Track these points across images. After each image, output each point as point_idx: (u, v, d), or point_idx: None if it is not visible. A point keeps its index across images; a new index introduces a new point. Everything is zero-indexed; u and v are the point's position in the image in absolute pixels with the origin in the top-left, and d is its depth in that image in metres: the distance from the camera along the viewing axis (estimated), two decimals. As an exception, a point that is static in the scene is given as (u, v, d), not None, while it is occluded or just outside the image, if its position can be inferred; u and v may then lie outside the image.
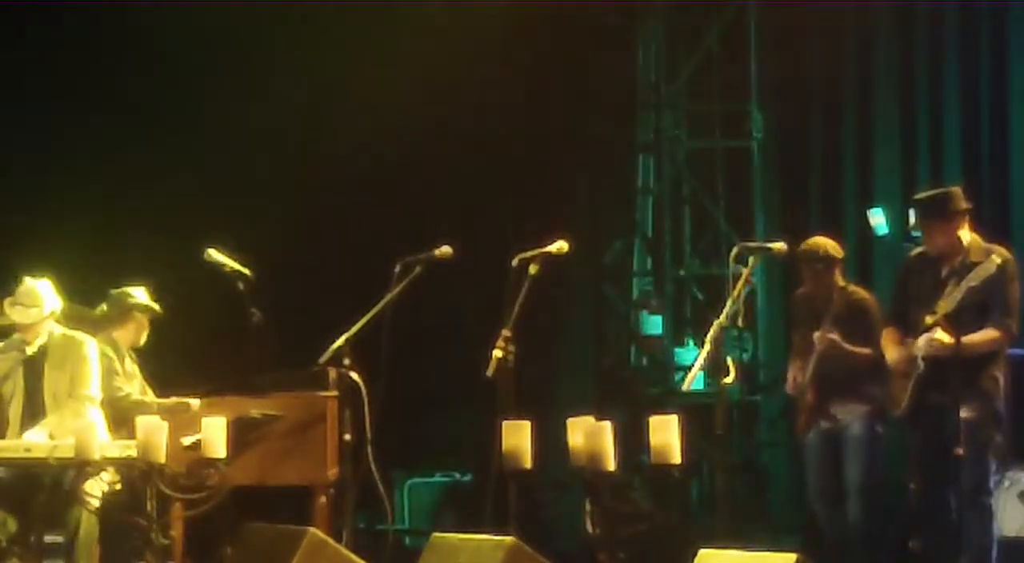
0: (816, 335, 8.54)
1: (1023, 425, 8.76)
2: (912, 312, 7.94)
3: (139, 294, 9.11)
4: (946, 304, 7.52)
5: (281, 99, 11.42)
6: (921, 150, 11.05)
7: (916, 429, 7.95)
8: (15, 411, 8.37)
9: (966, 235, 7.88)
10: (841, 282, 8.73)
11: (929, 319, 7.58)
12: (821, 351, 8.54)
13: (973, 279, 7.43)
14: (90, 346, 8.49)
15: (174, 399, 8.79)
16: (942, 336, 7.52)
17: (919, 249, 8.10)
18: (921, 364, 7.74)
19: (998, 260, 7.48)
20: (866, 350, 8.44)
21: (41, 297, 8.42)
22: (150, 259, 9.62)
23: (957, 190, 8.02)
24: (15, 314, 8.41)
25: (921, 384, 7.78)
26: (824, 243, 8.75)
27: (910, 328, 7.89)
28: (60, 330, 8.51)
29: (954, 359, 7.47)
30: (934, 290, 7.82)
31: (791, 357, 8.90)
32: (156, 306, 9.12)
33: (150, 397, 8.99)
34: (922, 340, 7.69)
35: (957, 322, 7.48)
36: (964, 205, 7.89)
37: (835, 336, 8.50)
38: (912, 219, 8.02)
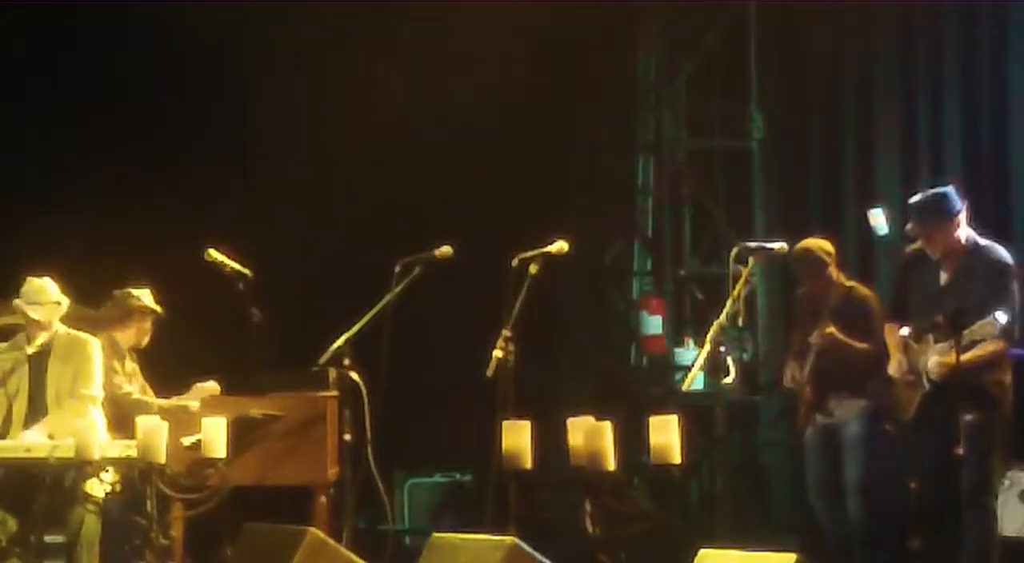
0: (814, 333, 8.53)
1: (1023, 425, 8.76)
2: (913, 311, 7.94)
3: (142, 295, 9.11)
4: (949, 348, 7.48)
5: (281, 100, 11.42)
6: (921, 150, 11.04)
7: (921, 434, 7.93)
8: (19, 409, 8.37)
9: (963, 232, 7.87)
10: (840, 279, 8.72)
11: (933, 366, 7.58)
12: (820, 345, 8.53)
13: (977, 334, 7.38)
14: (94, 346, 8.50)
15: (175, 401, 8.80)
16: (947, 360, 7.48)
17: (916, 245, 8.08)
18: (927, 384, 7.72)
19: (1002, 322, 7.39)
20: (865, 345, 8.43)
21: (55, 293, 8.45)
22: (150, 259, 9.62)
23: (951, 189, 8.00)
24: (35, 312, 8.40)
25: (929, 399, 7.76)
26: (808, 248, 8.69)
27: (910, 326, 7.89)
28: (65, 329, 8.51)
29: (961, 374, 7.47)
30: (935, 292, 7.81)
31: (790, 355, 8.90)
32: (159, 308, 9.13)
33: (151, 397, 8.99)
34: (931, 364, 7.66)
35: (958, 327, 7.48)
36: (957, 205, 7.87)
37: (833, 330, 8.48)
38: (910, 225, 7.98)
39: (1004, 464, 8.02)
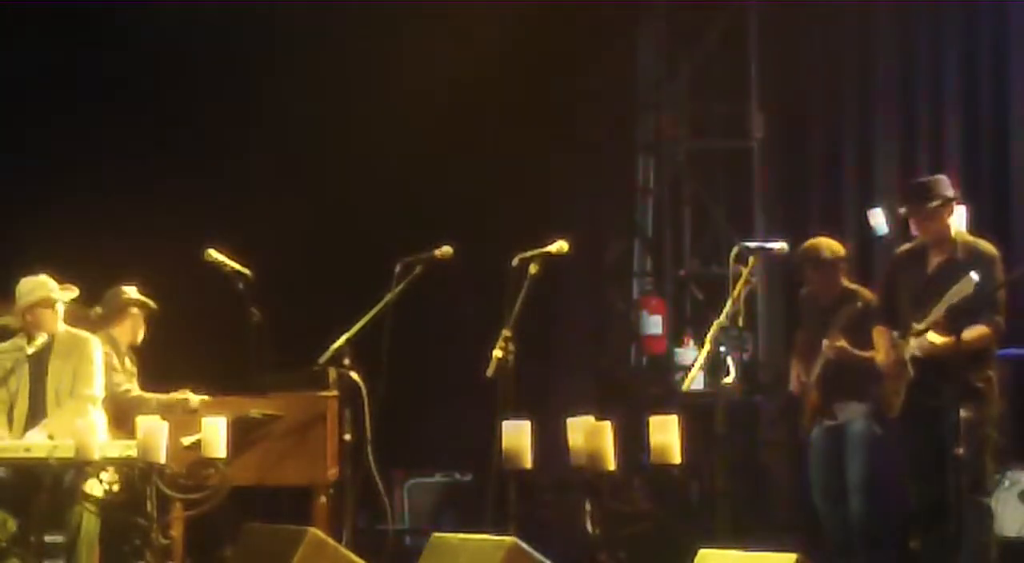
0: (824, 343, 8.51)
1: (1023, 425, 8.76)
2: (902, 309, 7.95)
3: (131, 291, 9.14)
4: (929, 319, 7.53)
5: (281, 100, 11.42)
6: (921, 150, 11.04)
7: (911, 430, 7.96)
8: (20, 409, 8.37)
9: (954, 226, 7.89)
10: (846, 283, 8.70)
11: (918, 326, 7.61)
12: (830, 358, 8.51)
13: (955, 296, 7.42)
14: (95, 345, 8.50)
15: (174, 395, 8.81)
16: (934, 338, 7.53)
17: (906, 245, 8.11)
18: (911, 371, 7.73)
19: (976, 278, 7.45)
20: (871, 353, 8.42)
21: (56, 288, 8.47)
22: (150, 259, 9.62)
23: (943, 177, 8.03)
24: (57, 294, 8.41)
25: (913, 388, 7.78)
26: (823, 245, 8.70)
27: (900, 325, 7.91)
28: (65, 328, 8.52)
29: (947, 360, 7.47)
30: (924, 287, 7.83)
31: (794, 356, 8.89)
32: (150, 301, 9.14)
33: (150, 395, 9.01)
34: (915, 343, 7.70)
35: (947, 323, 7.49)
36: (951, 192, 7.90)
37: (844, 344, 8.46)
38: (902, 209, 8.02)
39: (995, 461, 8.02)
